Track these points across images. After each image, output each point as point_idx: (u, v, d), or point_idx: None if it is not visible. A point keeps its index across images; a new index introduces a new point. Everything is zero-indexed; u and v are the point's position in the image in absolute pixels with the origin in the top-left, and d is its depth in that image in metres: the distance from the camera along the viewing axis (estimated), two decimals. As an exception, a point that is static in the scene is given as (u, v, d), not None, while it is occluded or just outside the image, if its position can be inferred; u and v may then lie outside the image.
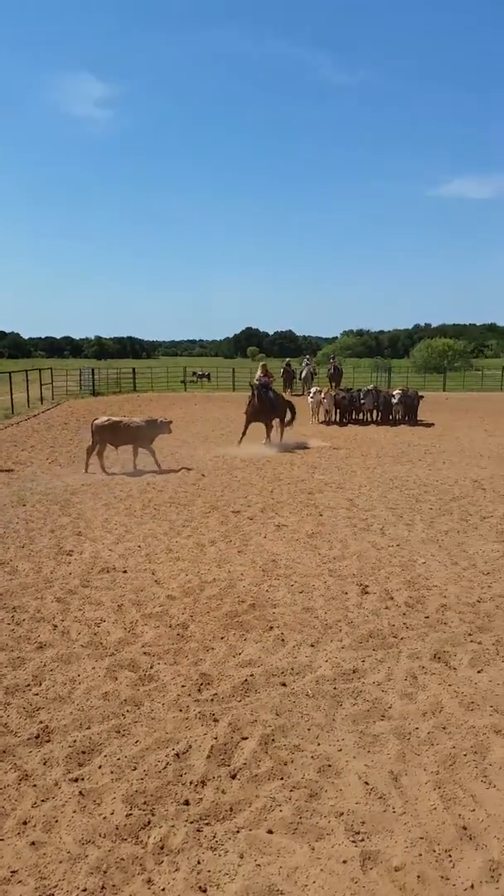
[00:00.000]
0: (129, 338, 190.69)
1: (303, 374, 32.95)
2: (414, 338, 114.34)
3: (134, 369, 39.54)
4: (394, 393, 22.31)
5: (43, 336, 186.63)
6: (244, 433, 16.16)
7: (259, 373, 17.62)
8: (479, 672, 4.79)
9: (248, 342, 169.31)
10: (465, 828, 3.23)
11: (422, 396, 23.07)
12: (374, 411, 22.35)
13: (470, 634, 5.42)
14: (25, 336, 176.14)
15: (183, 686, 4.52)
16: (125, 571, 6.80)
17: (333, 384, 30.01)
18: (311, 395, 22.47)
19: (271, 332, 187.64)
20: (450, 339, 72.08)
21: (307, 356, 39.89)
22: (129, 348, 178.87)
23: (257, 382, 16.67)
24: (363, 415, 22.53)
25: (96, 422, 12.53)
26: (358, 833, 3.21)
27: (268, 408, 16.12)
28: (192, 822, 3.25)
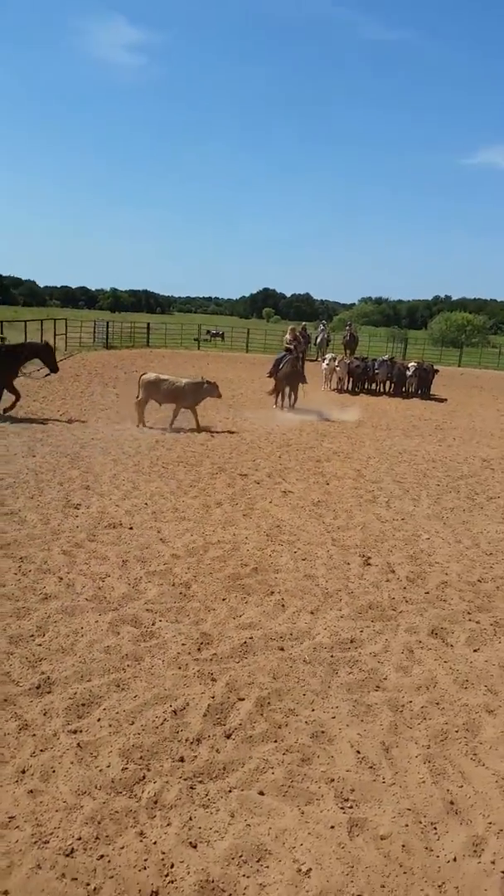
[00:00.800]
0: (145, 291, 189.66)
1: (318, 340, 32.68)
2: (433, 309, 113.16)
3: (148, 324, 39.34)
4: (409, 365, 22.16)
5: (59, 285, 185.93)
6: (285, 396, 16.33)
7: (288, 336, 17.55)
8: (475, 651, 4.84)
9: (264, 303, 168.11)
10: (452, 802, 3.30)
11: (437, 370, 22.91)
12: (388, 382, 22.23)
13: (469, 613, 5.46)
14: (41, 284, 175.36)
15: (183, 644, 4.59)
16: (131, 528, 6.86)
17: (348, 351, 29.75)
18: (325, 361, 22.32)
19: (288, 294, 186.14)
20: (469, 314, 71.35)
21: (323, 321, 39.54)
22: (144, 302, 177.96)
23: (290, 346, 16.67)
24: (376, 385, 22.42)
25: (144, 377, 12.57)
26: (347, 800, 3.27)
27: (300, 372, 16.18)
28: (185, 780, 3.33)
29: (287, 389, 16.21)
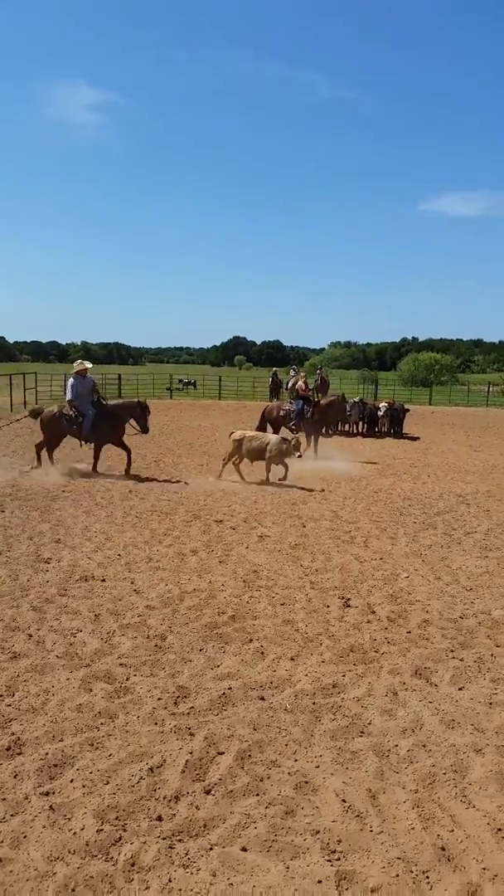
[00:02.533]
0: (116, 343, 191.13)
1: (289, 385, 33.02)
2: (401, 351, 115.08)
3: (119, 375, 39.44)
4: (380, 405, 22.40)
5: (29, 340, 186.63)
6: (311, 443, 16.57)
7: (301, 384, 17.89)
8: (460, 689, 4.74)
9: (235, 351, 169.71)
10: (443, 848, 3.17)
11: (408, 410, 23.15)
12: (361, 423, 22.40)
13: (452, 651, 5.37)
14: (11, 340, 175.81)
15: (159, 699, 4.43)
16: (104, 580, 6.70)
17: (320, 395, 30.03)
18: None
19: (259, 342, 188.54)
20: (437, 354, 72.67)
21: (294, 366, 40.02)
22: (116, 354, 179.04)
23: (306, 394, 17.00)
24: (349, 426, 22.58)
25: (232, 435, 12.87)
26: (334, 852, 3.13)
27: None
28: (164, 839, 3.17)
29: (313, 437, 16.52)
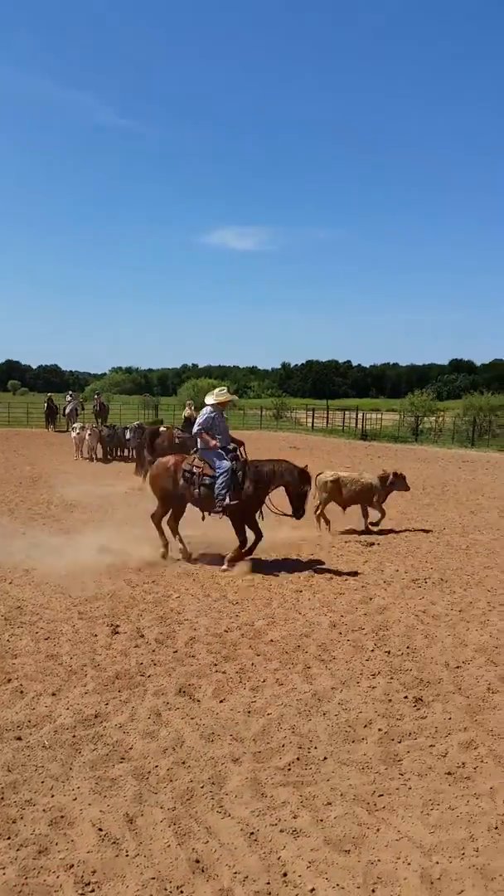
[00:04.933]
0: None
1: (67, 410, 32.36)
2: (182, 377, 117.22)
3: None
4: (161, 430, 22.61)
5: None
6: None
7: (188, 411, 17.36)
8: (221, 702, 4.89)
9: (9, 375, 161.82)
10: (197, 861, 3.24)
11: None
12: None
13: (215, 664, 5.53)
14: None
15: None
16: None
17: (99, 420, 29.88)
18: (75, 431, 22.21)
19: (35, 366, 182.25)
20: (215, 380, 75.12)
21: (71, 392, 39.35)
22: None
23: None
24: (128, 451, 22.54)
25: (320, 477, 10.81)
26: (88, 884, 3.08)
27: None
28: None
29: None
